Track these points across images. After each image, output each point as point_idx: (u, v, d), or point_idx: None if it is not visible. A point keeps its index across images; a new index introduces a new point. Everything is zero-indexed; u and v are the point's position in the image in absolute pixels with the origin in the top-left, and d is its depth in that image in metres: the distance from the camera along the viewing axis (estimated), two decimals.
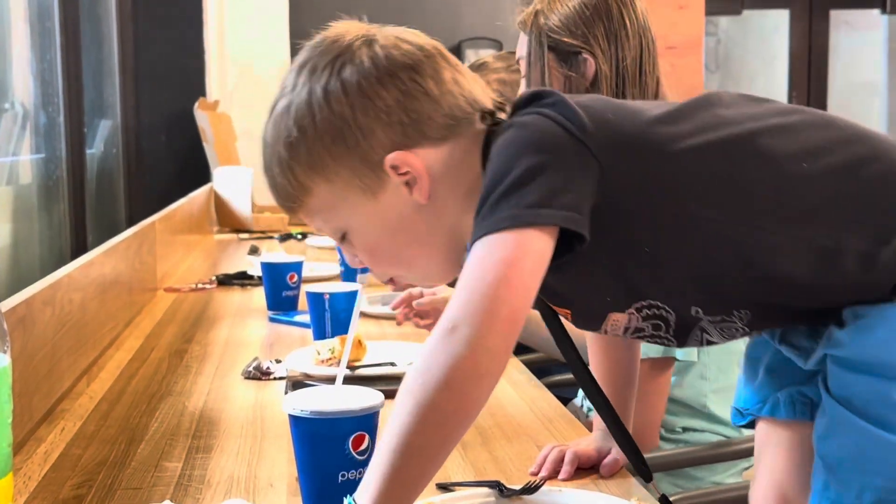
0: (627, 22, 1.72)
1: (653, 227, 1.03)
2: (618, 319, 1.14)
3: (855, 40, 6.09)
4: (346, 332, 1.96)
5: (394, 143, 1.06)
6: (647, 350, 1.61)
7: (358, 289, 1.88)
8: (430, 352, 0.93)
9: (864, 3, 5.78)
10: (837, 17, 5.73)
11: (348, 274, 2.48)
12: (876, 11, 5.86)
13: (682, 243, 1.04)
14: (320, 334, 1.91)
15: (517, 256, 0.94)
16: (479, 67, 2.42)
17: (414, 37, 1.11)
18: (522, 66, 1.82)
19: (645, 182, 1.03)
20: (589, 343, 1.39)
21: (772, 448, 1.19)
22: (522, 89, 1.88)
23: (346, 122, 1.06)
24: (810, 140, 1.05)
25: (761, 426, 1.21)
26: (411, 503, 0.93)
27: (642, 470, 1.21)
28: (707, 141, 1.04)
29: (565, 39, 1.72)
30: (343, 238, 1.12)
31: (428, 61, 1.08)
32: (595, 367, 1.37)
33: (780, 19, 5.70)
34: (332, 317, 1.92)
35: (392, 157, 1.06)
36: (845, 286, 1.03)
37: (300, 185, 1.08)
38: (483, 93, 1.11)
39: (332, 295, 1.92)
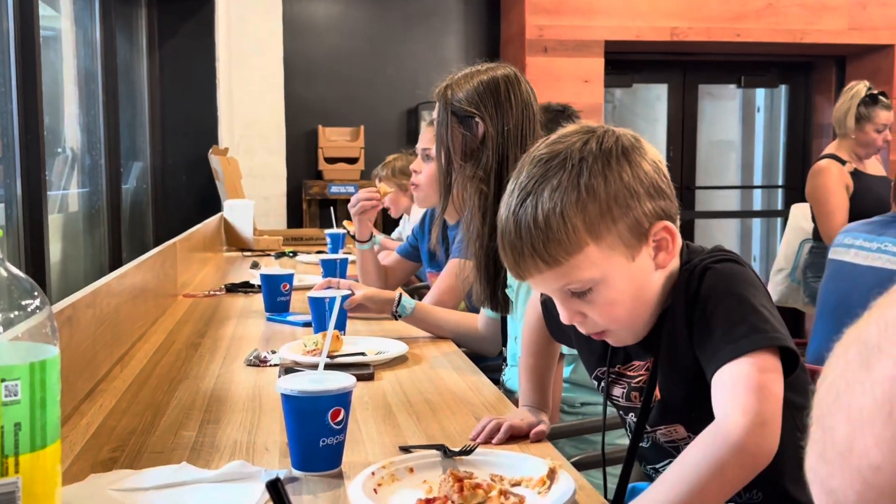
0: (513, 97, 1.79)
1: None
2: (616, 391, 1.16)
3: (717, 107, 6.20)
4: (338, 327, 1.97)
5: (657, 213, 1.04)
6: None
7: (339, 295, 1.88)
8: None
9: (723, 79, 5.89)
10: (703, 89, 5.83)
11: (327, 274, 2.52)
12: (733, 86, 5.98)
13: None
14: (321, 328, 1.90)
15: None
16: (431, 122, 2.45)
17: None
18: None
19: None
20: (526, 333, 1.40)
21: None
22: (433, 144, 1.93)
23: (628, 190, 1.02)
24: None
25: None
26: None
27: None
28: None
29: (463, 107, 1.78)
30: (586, 292, 1.04)
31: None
32: (528, 357, 1.39)
33: (660, 91, 5.79)
34: (330, 315, 1.93)
35: (659, 226, 1.04)
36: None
37: (577, 240, 1.00)
38: None
39: (331, 299, 1.92)
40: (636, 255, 1.03)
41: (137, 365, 1.74)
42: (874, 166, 3.66)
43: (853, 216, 3.48)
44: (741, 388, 0.93)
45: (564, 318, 1.08)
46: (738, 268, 1.04)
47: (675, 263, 1.09)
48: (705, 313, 1.01)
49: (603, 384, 1.20)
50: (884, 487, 0.49)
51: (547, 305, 1.32)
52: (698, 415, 0.95)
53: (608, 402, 1.21)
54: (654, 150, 1.08)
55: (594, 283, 1.03)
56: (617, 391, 1.18)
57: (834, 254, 2.79)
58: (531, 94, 1.82)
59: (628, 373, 1.16)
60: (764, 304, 1.00)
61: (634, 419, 1.15)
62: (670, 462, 1.02)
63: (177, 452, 1.21)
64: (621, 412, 1.20)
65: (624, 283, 1.04)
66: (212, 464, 1.16)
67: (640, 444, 1.17)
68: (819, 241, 3.67)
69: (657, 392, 1.11)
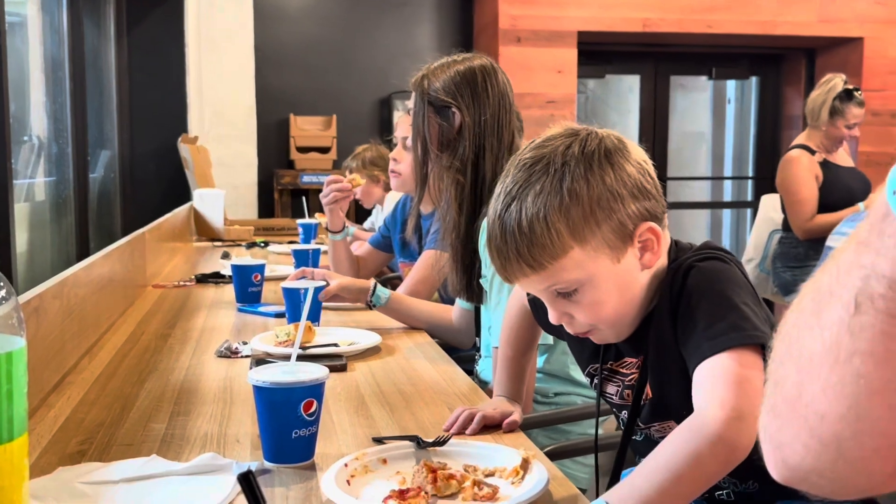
0: (489, 88, 1.79)
1: None
2: (610, 389, 1.17)
3: (688, 99, 6.24)
4: (311, 318, 1.96)
5: (642, 214, 1.04)
6: None
7: (314, 286, 1.87)
8: None
9: (695, 71, 5.93)
10: (675, 81, 5.86)
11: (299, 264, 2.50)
12: (704, 77, 6.02)
13: None
14: (295, 319, 1.89)
15: None
16: (409, 112, 2.44)
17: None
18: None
19: None
20: (506, 324, 1.40)
21: None
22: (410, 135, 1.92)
23: (611, 193, 1.02)
24: None
25: None
26: None
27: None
28: None
29: (440, 97, 1.78)
30: (572, 293, 1.05)
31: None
32: (506, 348, 1.40)
33: (633, 82, 5.81)
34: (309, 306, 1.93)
35: (644, 227, 1.04)
36: None
37: (562, 245, 1.01)
38: None
39: (306, 290, 1.91)
40: (621, 257, 1.04)
41: (106, 356, 1.72)
42: (843, 157, 3.71)
43: (822, 206, 3.53)
44: (719, 383, 0.95)
45: (553, 318, 1.09)
46: (722, 266, 1.05)
47: (662, 262, 1.09)
48: (688, 311, 1.03)
49: (596, 381, 1.21)
50: (827, 438, 0.48)
51: (536, 301, 1.33)
52: (690, 412, 0.96)
53: (602, 399, 1.22)
54: (639, 151, 1.09)
55: (579, 284, 1.04)
56: (611, 389, 1.18)
57: (830, 241, 2.84)
58: (507, 84, 1.82)
59: (622, 370, 1.17)
60: (746, 302, 1.01)
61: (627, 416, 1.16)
62: None
63: (146, 445, 1.20)
64: (615, 409, 1.21)
65: (609, 284, 1.04)
66: (182, 456, 1.14)
67: (634, 438, 1.18)
68: (788, 232, 3.72)
69: (648, 390, 1.12)
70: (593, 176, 1.02)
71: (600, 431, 1.68)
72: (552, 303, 1.07)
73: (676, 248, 1.12)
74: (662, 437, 1.10)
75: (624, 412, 1.17)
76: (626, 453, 1.18)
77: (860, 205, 3.38)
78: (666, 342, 1.06)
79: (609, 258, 1.03)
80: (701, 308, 1.01)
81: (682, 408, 1.03)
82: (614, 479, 1.17)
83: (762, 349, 0.97)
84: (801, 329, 0.49)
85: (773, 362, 0.53)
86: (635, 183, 1.05)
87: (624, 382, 1.16)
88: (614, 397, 1.18)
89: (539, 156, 1.05)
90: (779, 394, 0.51)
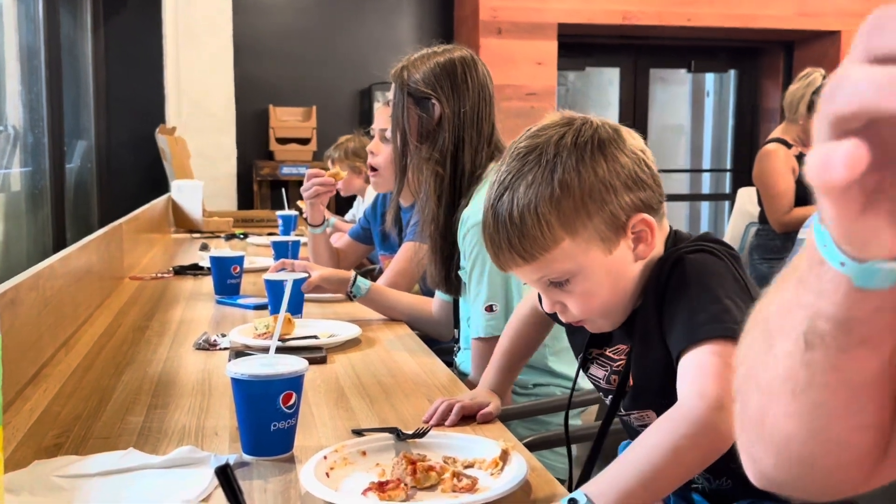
0: (469, 80, 1.78)
1: None
2: (598, 373, 1.17)
3: (667, 92, 6.26)
4: (294, 310, 1.95)
5: (636, 206, 1.04)
6: (493, 329, 1.63)
7: (294, 278, 1.86)
8: None
9: (674, 64, 5.96)
10: (655, 74, 5.89)
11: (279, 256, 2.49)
12: (683, 70, 6.05)
13: None
14: (278, 311, 1.87)
15: None
16: (388, 102, 2.43)
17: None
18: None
19: None
20: (516, 313, 1.43)
21: None
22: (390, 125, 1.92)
23: (604, 185, 1.02)
24: None
25: None
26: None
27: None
28: None
29: (420, 88, 1.77)
30: (563, 283, 1.04)
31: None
32: (506, 341, 1.42)
33: (613, 75, 5.83)
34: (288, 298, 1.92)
35: (637, 218, 1.04)
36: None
37: (552, 236, 1.01)
38: None
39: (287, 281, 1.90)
40: (613, 248, 1.04)
41: (83, 349, 1.71)
42: None
43: (798, 200, 3.56)
44: (700, 374, 0.95)
45: (546, 306, 1.09)
46: (710, 259, 1.04)
47: (658, 251, 1.09)
48: (672, 301, 1.03)
49: (587, 365, 1.21)
50: (795, 457, 0.52)
51: None
52: (668, 402, 0.96)
53: (591, 383, 1.22)
54: (636, 140, 1.08)
55: (571, 274, 1.04)
56: (599, 373, 1.19)
57: (802, 233, 2.87)
58: (487, 76, 1.82)
59: (612, 356, 1.17)
60: (730, 296, 1.00)
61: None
62: None
63: (123, 438, 1.19)
64: (602, 393, 1.22)
65: (601, 275, 1.04)
66: (159, 449, 1.14)
67: (617, 424, 1.18)
68: (765, 224, 3.74)
69: (631, 378, 1.12)
70: (585, 168, 1.02)
71: (579, 422, 1.70)
72: (545, 292, 1.08)
73: (675, 238, 1.12)
74: (642, 426, 1.11)
75: (610, 397, 1.18)
76: (604, 438, 1.18)
77: None
78: (650, 332, 1.07)
79: (601, 250, 1.03)
80: (683, 299, 1.01)
81: (661, 397, 1.04)
82: (588, 465, 1.17)
83: None
84: (757, 356, 0.52)
85: (737, 381, 0.55)
86: (629, 173, 1.04)
87: (612, 367, 1.16)
88: (601, 382, 1.18)
89: (533, 145, 1.05)
90: (745, 413, 0.55)
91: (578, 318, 1.09)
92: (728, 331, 0.96)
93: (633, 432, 1.17)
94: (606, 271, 1.05)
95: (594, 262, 1.03)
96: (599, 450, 1.18)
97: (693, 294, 1.01)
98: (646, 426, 1.03)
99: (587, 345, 1.20)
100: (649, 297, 1.07)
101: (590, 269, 1.03)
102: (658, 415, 1.09)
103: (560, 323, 1.36)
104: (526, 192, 1.01)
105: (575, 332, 1.24)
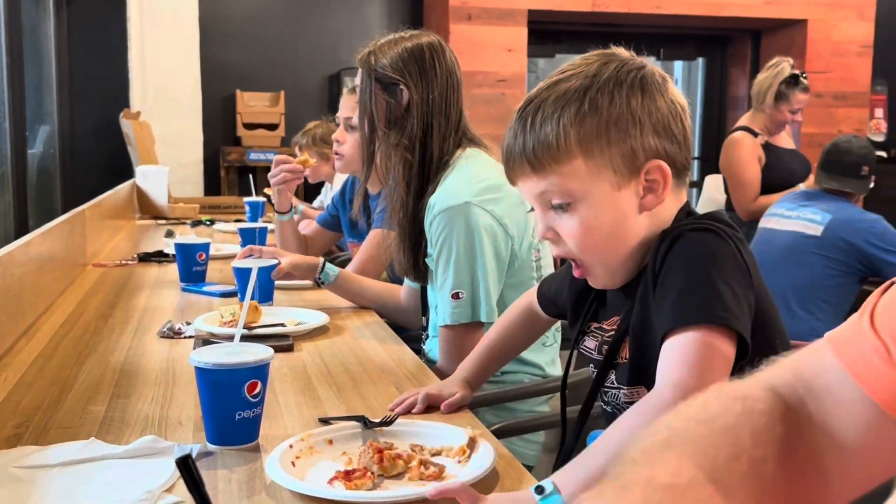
0: (437, 65, 1.76)
1: None
2: (590, 343, 1.15)
3: None
4: (265, 298, 1.94)
5: (657, 152, 1.01)
6: (459, 317, 1.63)
7: (259, 266, 1.85)
8: None
9: (643, 51, 5.97)
10: None
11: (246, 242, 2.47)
12: (652, 58, 6.04)
13: None
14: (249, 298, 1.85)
15: None
16: (353, 90, 2.41)
17: None
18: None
19: None
20: (510, 309, 1.42)
21: None
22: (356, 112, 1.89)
23: (633, 117, 0.99)
24: None
25: None
26: None
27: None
28: None
29: (387, 74, 1.75)
30: (565, 207, 1.02)
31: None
32: (493, 333, 1.41)
33: None
34: (254, 284, 1.90)
35: (654, 164, 1.01)
36: None
37: (567, 151, 0.99)
38: None
39: (259, 269, 1.88)
40: (623, 186, 1.01)
41: (44, 337, 1.68)
42: (784, 139, 3.77)
43: (764, 188, 3.59)
44: (680, 361, 0.92)
45: (540, 231, 1.06)
46: (712, 238, 1.00)
47: (665, 218, 1.06)
48: (667, 278, 0.99)
49: (582, 337, 1.19)
50: None
51: (542, 288, 1.34)
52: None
53: (581, 353, 1.19)
54: (679, 96, 1.06)
55: (574, 198, 1.01)
56: (591, 344, 1.16)
57: (762, 222, 2.93)
58: (455, 62, 1.81)
59: (606, 327, 1.14)
60: (727, 281, 0.95)
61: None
62: None
63: (85, 428, 1.17)
64: (591, 365, 1.18)
65: (602, 209, 1.01)
66: (122, 439, 1.12)
67: (605, 407, 1.16)
68: (731, 212, 3.77)
69: (626, 350, 1.09)
70: (620, 95, 1.00)
71: (546, 409, 1.70)
72: (544, 213, 1.04)
73: (688, 214, 1.08)
74: (629, 402, 1.10)
75: (596, 369, 1.15)
76: (591, 407, 1.15)
77: (801, 185, 3.44)
78: (647, 305, 1.03)
79: (610, 183, 1.01)
80: (677, 278, 0.98)
81: (654, 376, 1.00)
82: (573, 440, 1.17)
83: (733, 333, 0.94)
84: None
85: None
86: (662, 119, 1.02)
87: (603, 337, 1.14)
88: (594, 353, 1.15)
89: (577, 64, 1.05)
90: None
91: (571, 253, 1.05)
92: (717, 318, 0.93)
93: (609, 417, 1.16)
94: (610, 207, 1.01)
95: (600, 192, 1.01)
96: (586, 418, 1.15)
97: (688, 273, 0.97)
98: (633, 404, 1.01)
99: (585, 318, 1.17)
100: (649, 267, 1.03)
101: (594, 197, 1.01)
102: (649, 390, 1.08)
103: (558, 316, 1.34)
104: (555, 103, 1.01)
105: (577, 304, 1.21)
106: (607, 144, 0.99)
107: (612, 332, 1.12)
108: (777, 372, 0.64)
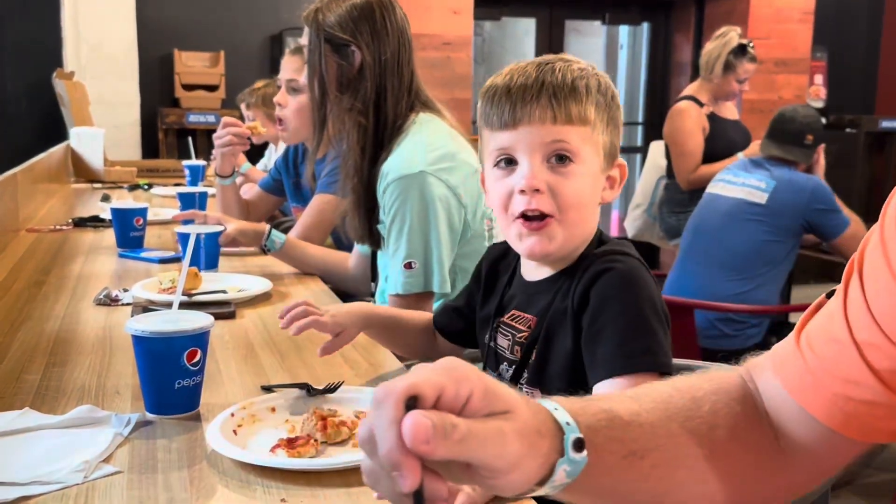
0: (388, 24, 1.72)
1: None
2: (502, 342, 1.19)
3: (582, 43, 6.30)
4: (210, 265, 1.91)
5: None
6: (411, 287, 1.63)
7: (202, 232, 1.82)
8: None
9: (589, 16, 5.98)
10: (570, 25, 5.90)
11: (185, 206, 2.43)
12: (598, 23, 6.08)
13: None
14: (193, 265, 1.81)
15: None
16: (295, 51, 2.36)
17: None
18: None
19: None
20: (422, 312, 1.44)
21: None
22: (304, 73, 1.85)
23: (620, 119, 1.12)
24: None
25: None
26: None
27: None
28: None
29: (337, 34, 1.70)
30: (562, 158, 1.07)
31: None
32: (409, 312, 1.43)
33: (529, 25, 5.82)
34: (197, 250, 1.89)
35: (621, 160, 1.13)
36: None
37: (587, 110, 1.06)
38: None
39: (198, 235, 1.85)
40: (603, 171, 1.11)
41: None
42: (729, 109, 3.83)
43: (705, 157, 3.65)
44: None
45: (527, 179, 1.06)
46: (641, 272, 1.07)
47: (592, 225, 1.13)
48: (603, 316, 1.03)
49: (495, 335, 1.21)
50: None
51: (444, 329, 1.37)
52: (562, 391, 0.97)
53: (495, 351, 1.21)
54: None
55: (575, 156, 1.07)
56: (503, 342, 1.19)
57: (709, 188, 2.98)
58: (405, 20, 1.76)
59: (514, 324, 1.17)
60: (660, 320, 1.04)
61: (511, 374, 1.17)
62: None
63: (19, 397, 1.14)
64: (504, 363, 1.20)
65: (589, 181, 1.09)
66: (58, 409, 1.10)
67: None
68: (673, 179, 3.83)
69: (534, 353, 1.13)
70: (615, 96, 1.12)
71: None
72: (538, 167, 1.07)
73: (599, 242, 1.14)
74: None
75: (511, 368, 1.17)
76: None
77: (739, 154, 3.50)
78: (565, 325, 1.08)
79: (599, 160, 1.09)
80: (618, 320, 1.03)
81: (551, 385, 1.08)
82: None
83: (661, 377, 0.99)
84: None
85: None
86: (620, 135, 1.15)
87: (514, 338, 1.17)
88: (507, 352, 1.18)
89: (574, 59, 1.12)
90: None
91: (549, 207, 1.07)
92: (660, 366, 1.01)
93: None
94: (593, 184, 1.10)
95: (593, 165, 1.09)
96: None
97: (627, 314, 1.03)
98: None
99: (493, 315, 1.21)
100: (572, 287, 1.08)
101: (588, 168, 1.08)
102: (543, 394, 1.10)
103: (463, 343, 1.36)
104: (582, 68, 1.09)
105: (484, 303, 1.25)
106: (605, 126, 1.09)
107: (523, 334, 1.15)
108: (748, 367, 0.75)
